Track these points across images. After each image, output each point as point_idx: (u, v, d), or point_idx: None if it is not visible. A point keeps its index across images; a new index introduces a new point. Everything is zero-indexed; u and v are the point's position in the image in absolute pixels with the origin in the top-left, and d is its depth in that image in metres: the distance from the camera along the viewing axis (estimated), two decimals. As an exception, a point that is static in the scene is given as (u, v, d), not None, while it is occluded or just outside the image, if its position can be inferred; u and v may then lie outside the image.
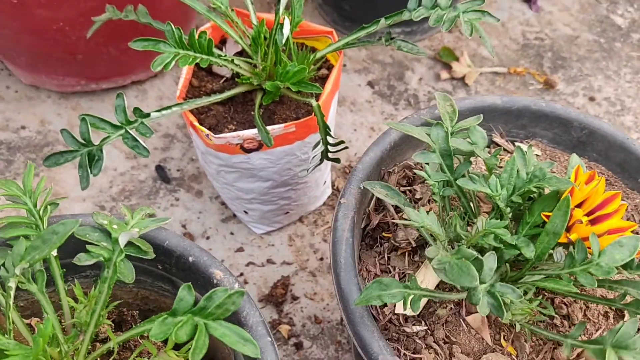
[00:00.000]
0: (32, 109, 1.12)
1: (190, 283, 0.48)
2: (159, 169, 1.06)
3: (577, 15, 1.38)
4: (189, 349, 0.50)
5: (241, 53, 0.88)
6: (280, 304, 0.94)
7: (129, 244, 0.55)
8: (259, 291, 0.96)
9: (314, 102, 0.73)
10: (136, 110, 0.71)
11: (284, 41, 0.74)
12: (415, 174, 0.74)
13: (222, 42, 0.90)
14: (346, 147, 0.79)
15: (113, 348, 0.52)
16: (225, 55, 0.79)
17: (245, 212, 0.96)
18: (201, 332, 0.45)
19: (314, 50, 0.86)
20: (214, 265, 0.60)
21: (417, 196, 0.72)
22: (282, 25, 0.74)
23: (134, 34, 0.74)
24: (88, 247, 0.50)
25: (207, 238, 1.00)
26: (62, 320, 0.55)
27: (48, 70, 1.05)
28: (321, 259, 0.99)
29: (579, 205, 0.55)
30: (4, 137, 1.08)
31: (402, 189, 0.73)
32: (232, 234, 1.01)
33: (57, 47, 0.99)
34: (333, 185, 1.07)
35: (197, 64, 0.81)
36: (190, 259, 0.60)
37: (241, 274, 0.97)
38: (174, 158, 1.09)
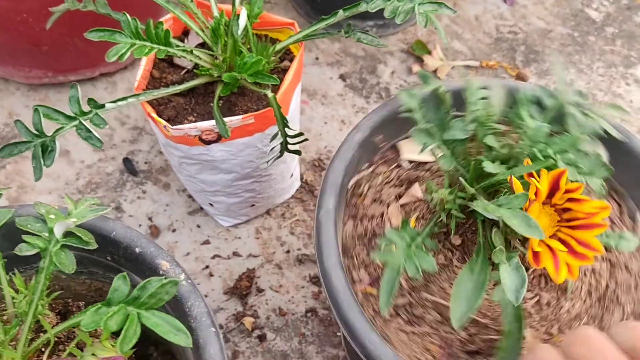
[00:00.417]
0: (0, 101, 1.11)
1: (125, 273, 0.48)
2: (127, 161, 1.06)
3: (551, 9, 1.38)
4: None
5: (203, 45, 0.87)
6: (245, 297, 0.94)
7: (71, 234, 0.55)
8: (224, 284, 0.95)
9: (269, 94, 0.73)
10: (90, 101, 0.71)
11: (240, 32, 0.73)
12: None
13: (185, 34, 0.90)
14: (306, 139, 0.79)
15: (54, 338, 0.52)
16: (184, 46, 0.78)
17: (211, 204, 0.96)
18: (132, 321, 0.45)
19: (275, 42, 0.86)
20: (161, 256, 0.59)
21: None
22: (238, 16, 0.74)
23: (97, 25, 0.73)
24: (24, 237, 0.50)
25: (174, 231, 1.00)
26: (5, 311, 0.55)
27: (14, 62, 1.05)
28: (287, 251, 0.99)
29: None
30: (-30, 129, 1.08)
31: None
32: (198, 226, 1.01)
33: (21, 39, 0.98)
34: (302, 178, 1.07)
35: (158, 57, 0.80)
36: (137, 249, 0.60)
37: (207, 267, 0.97)
38: (142, 150, 1.08)
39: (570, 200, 0.54)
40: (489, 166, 0.57)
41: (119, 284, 0.48)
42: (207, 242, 1.00)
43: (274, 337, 0.91)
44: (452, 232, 0.65)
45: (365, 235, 0.71)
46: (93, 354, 0.48)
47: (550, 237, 0.55)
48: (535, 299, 0.66)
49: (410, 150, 0.78)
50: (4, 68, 1.08)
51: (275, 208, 1.03)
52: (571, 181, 0.55)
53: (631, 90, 1.24)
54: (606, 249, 0.63)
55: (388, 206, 0.73)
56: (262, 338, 0.91)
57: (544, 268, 0.53)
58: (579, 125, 0.61)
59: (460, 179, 0.61)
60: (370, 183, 0.75)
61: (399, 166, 0.77)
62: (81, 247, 0.54)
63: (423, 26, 0.69)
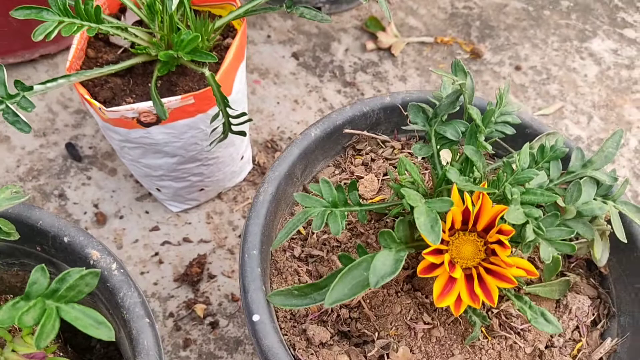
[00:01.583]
0: None
1: (43, 265, 0.45)
2: (70, 146, 1.01)
3: (506, -17, 1.37)
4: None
5: (141, 23, 0.83)
6: (196, 283, 0.92)
7: (-9, 224, 0.51)
8: (175, 270, 0.93)
9: (207, 72, 0.70)
10: (17, 83, 0.67)
11: (173, 7, 0.70)
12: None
13: (122, 11, 0.85)
14: (250, 120, 0.76)
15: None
16: (118, 24, 0.75)
17: (158, 189, 0.93)
18: (49, 316, 0.42)
19: (216, 18, 0.83)
20: (90, 245, 0.56)
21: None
22: (173, -9, 0.70)
23: (31, 3, 0.69)
24: None
25: (121, 217, 0.97)
26: None
27: (-55, 43, 0.99)
28: (240, 236, 0.97)
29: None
30: None
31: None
32: (147, 212, 0.98)
33: (-51, 19, 0.92)
34: (254, 161, 1.04)
35: (90, 35, 0.76)
36: (66, 239, 0.57)
37: (156, 254, 0.94)
38: (86, 135, 1.04)
39: (498, 242, 0.52)
40: (452, 174, 0.55)
41: (37, 277, 0.45)
42: (156, 229, 0.96)
43: (227, 323, 0.89)
44: (387, 216, 0.64)
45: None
46: (13, 350, 0.46)
47: (464, 268, 0.53)
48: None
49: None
50: None
51: (226, 192, 1.01)
52: (510, 225, 0.52)
53: (585, 65, 1.24)
54: (514, 316, 0.62)
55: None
56: (214, 325, 0.88)
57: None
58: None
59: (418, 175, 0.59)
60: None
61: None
62: (1, 238, 0.51)
63: (364, 0, 0.67)
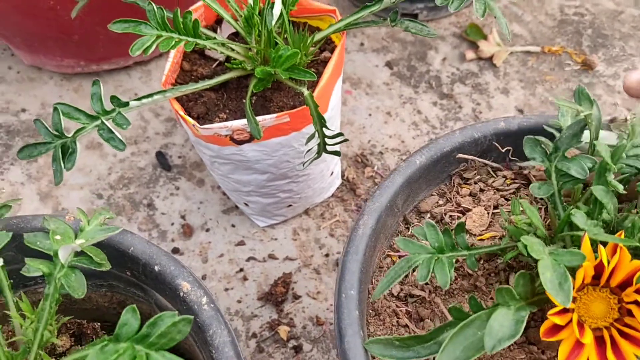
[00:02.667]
0: (33, 91, 1.08)
1: (134, 305, 0.43)
2: (160, 155, 1.01)
3: (623, -13, 1.25)
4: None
5: (237, 35, 0.81)
6: (281, 303, 0.88)
7: (83, 252, 0.50)
8: (259, 288, 0.90)
9: (305, 91, 0.66)
10: (114, 98, 0.65)
11: (274, 22, 0.66)
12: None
13: (218, 23, 0.83)
14: (346, 140, 0.72)
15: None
16: (215, 38, 0.72)
17: (246, 204, 0.90)
18: (139, 364, 0.40)
19: (314, 30, 0.79)
20: (181, 276, 0.54)
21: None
22: (272, 4, 0.67)
23: (129, 14, 0.68)
24: (27, 260, 0.45)
25: (207, 230, 0.95)
26: (11, 335, 0.50)
27: (45, 51, 1.01)
28: (327, 255, 0.93)
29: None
30: (3, 120, 1.05)
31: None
32: (233, 226, 0.95)
33: (50, 27, 0.94)
34: (343, 176, 0.99)
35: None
36: (157, 268, 0.54)
37: (241, 270, 0.91)
38: (176, 144, 1.03)
39: (636, 302, 0.45)
40: (578, 218, 0.48)
41: (128, 318, 0.42)
42: (241, 243, 0.94)
43: (311, 348, 0.85)
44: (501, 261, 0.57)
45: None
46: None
47: (594, 329, 0.46)
48: None
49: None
50: (36, 57, 1.04)
51: (314, 208, 0.97)
52: None
53: None
54: None
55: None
56: (297, 349, 0.85)
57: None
58: None
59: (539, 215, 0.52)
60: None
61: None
62: (92, 268, 0.49)
63: (480, 16, 0.60)
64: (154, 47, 0.66)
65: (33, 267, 0.45)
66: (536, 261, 0.46)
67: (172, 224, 0.95)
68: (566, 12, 1.21)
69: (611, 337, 0.47)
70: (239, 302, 0.89)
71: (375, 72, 1.12)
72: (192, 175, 1.00)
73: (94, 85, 0.64)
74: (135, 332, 0.42)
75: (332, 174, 0.93)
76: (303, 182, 0.86)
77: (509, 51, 1.14)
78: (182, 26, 0.68)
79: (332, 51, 0.79)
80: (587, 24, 1.19)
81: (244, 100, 0.75)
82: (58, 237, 0.46)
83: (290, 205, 0.91)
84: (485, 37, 1.14)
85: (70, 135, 0.63)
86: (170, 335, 0.41)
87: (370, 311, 0.59)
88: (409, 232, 0.65)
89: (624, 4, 1.22)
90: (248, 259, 0.92)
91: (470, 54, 1.13)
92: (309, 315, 0.88)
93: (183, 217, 0.96)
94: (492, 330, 0.44)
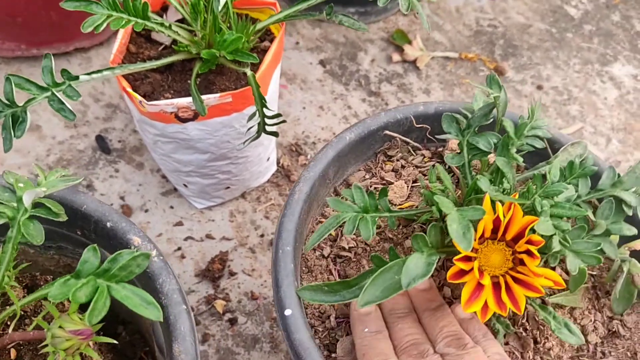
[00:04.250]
0: (-32, 73, 1.08)
1: (95, 245, 0.47)
2: (100, 139, 1.04)
3: (530, 4, 1.39)
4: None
5: (182, 21, 0.86)
6: (217, 279, 0.93)
7: (40, 205, 0.53)
8: (196, 266, 0.94)
9: (248, 72, 0.72)
10: (64, 72, 0.69)
11: (220, 8, 0.72)
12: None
13: (164, 9, 0.88)
14: (284, 121, 0.78)
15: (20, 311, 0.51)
16: (163, 21, 0.77)
17: (185, 185, 0.95)
18: (101, 293, 0.44)
19: (255, 22, 0.85)
20: (132, 231, 0.58)
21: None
22: (219, -8, 0.73)
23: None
24: (-9, 205, 0.48)
25: (146, 211, 0.99)
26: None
27: (-15, 32, 1.02)
28: (262, 235, 0.99)
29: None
30: (-64, 100, 1.04)
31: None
32: (172, 207, 1.00)
33: (-7, 8, 0.95)
34: (278, 163, 1.06)
35: (135, 30, 0.79)
36: (108, 224, 0.58)
37: (179, 248, 0.96)
38: (116, 129, 1.06)
39: (527, 252, 0.54)
40: (482, 183, 0.57)
41: (89, 256, 0.46)
42: (180, 224, 0.98)
43: (245, 320, 0.90)
44: (416, 222, 0.65)
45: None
46: (60, 327, 0.47)
47: (492, 276, 0.55)
48: None
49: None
50: (-25, 38, 1.04)
51: (250, 191, 1.02)
52: (540, 236, 0.54)
53: (606, 88, 1.26)
54: (542, 324, 0.63)
55: None
56: (233, 321, 0.90)
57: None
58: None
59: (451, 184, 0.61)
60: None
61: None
62: (50, 218, 0.53)
63: (405, 10, 0.69)
64: (104, 25, 0.70)
65: (-3, 213, 0.48)
66: (445, 217, 0.54)
67: (112, 204, 0.98)
68: (481, 24, 1.33)
69: (506, 283, 0.55)
70: (177, 278, 0.92)
71: (310, 69, 1.20)
72: (131, 159, 1.03)
73: (45, 58, 0.67)
74: (95, 269, 0.46)
75: (268, 159, 0.99)
76: (242, 165, 0.91)
77: (431, 56, 1.24)
78: (132, 8, 0.72)
79: (271, 41, 0.86)
80: (499, 35, 1.32)
81: (188, 82, 0.80)
82: (21, 185, 0.50)
83: (228, 187, 0.96)
84: (410, 42, 1.24)
85: (21, 105, 0.66)
86: (130, 269, 0.46)
87: (304, 268, 0.65)
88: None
89: (532, 19, 1.36)
90: (186, 239, 0.97)
91: (396, 57, 1.23)
92: (244, 290, 0.93)
93: (122, 198, 0.99)
94: (407, 270, 0.52)
